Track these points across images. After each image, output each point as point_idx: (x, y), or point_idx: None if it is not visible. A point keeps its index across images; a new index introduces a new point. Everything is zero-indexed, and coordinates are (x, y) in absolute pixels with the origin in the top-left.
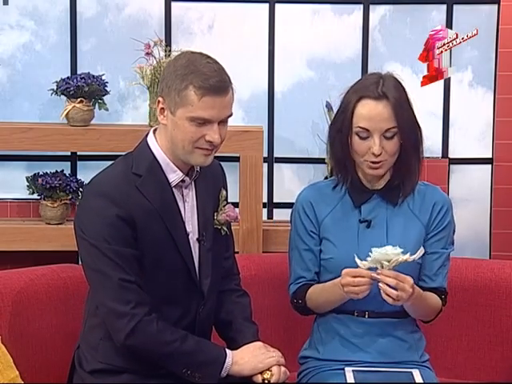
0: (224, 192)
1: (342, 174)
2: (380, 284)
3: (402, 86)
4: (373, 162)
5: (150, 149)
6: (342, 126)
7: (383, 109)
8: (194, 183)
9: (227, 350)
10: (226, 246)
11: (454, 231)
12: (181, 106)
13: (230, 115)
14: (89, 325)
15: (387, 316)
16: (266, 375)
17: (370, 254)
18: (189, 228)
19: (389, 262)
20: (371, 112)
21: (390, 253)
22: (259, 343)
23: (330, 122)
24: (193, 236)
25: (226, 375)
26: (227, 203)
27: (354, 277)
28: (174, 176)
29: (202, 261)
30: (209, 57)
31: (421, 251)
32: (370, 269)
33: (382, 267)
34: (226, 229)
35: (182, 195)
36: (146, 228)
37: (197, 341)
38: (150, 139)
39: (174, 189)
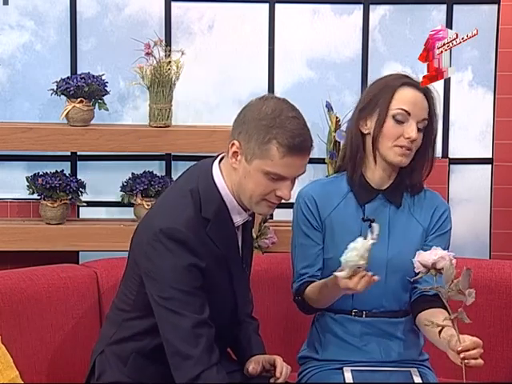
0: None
1: (350, 168)
2: (467, 364)
3: None
4: (404, 148)
5: (217, 189)
6: (373, 111)
7: (423, 99)
8: None
9: None
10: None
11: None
12: (259, 158)
13: (303, 173)
14: (120, 336)
15: (385, 316)
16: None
17: (342, 265)
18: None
19: (361, 255)
20: (416, 98)
21: (355, 248)
22: None
23: (329, 122)
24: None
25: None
26: (267, 228)
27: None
28: (239, 217)
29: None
30: (294, 109)
31: (376, 227)
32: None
33: (362, 263)
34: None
35: (238, 228)
36: (212, 272)
37: None
38: (217, 176)
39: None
